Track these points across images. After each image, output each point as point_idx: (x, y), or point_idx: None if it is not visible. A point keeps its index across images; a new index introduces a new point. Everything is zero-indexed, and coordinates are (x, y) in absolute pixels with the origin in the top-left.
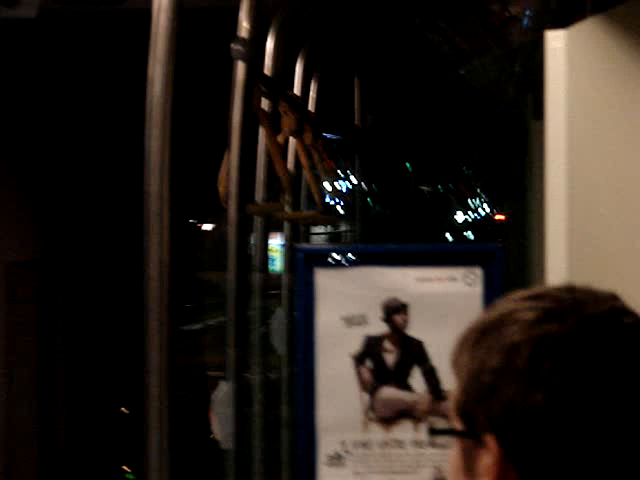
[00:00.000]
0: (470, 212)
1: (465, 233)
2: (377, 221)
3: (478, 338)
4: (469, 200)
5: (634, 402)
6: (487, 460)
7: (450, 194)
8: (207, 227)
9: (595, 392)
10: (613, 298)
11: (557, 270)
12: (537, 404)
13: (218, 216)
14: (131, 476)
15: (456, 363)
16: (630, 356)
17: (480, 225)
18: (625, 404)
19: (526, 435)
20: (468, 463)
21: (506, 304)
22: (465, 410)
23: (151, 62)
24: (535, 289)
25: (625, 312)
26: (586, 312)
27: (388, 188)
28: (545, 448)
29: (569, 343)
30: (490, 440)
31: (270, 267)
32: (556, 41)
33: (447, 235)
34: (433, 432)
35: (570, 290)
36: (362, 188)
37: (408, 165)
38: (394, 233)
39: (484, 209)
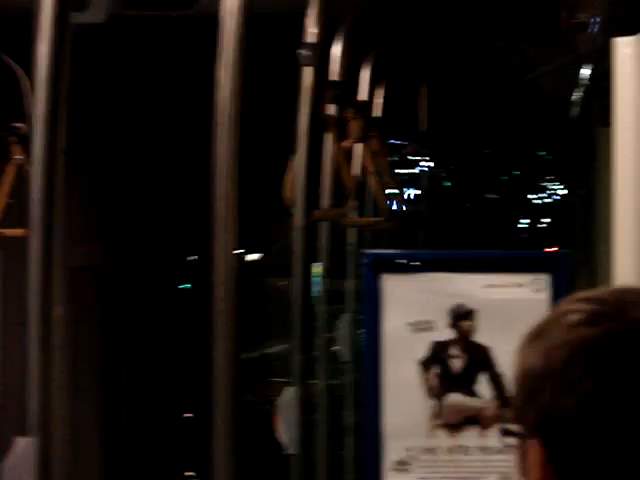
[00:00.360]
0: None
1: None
2: (445, 225)
3: (530, 340)
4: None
5: None
6: (533, 460)
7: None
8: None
9: (628, 398)
10: None
11: (625, 277)
12: (569, 409)
13: (284, 221)
14: None
15: (513, 365)
16: None
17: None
18: None
19: (562, 439)
20: (522, 462)
21: (562, 306)
22: (517, 411)
23: (219, 67)
24: (593, 290)
25: None
26: (630, 316)
27: (456, 192)
28: (581, 453)
29: (604, 347)
30: (535, 441)
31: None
32: (625, 48)
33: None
34: (501, 432)
35: (623, 292)
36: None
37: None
38: (463, 239)
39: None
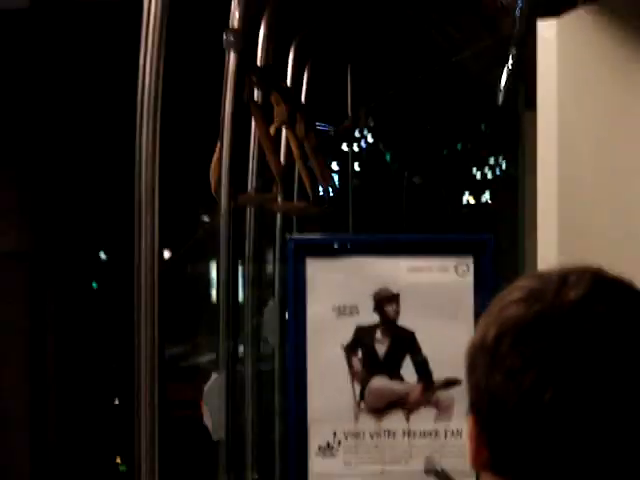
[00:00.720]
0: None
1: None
2: (370, 209)
3: (482, 316)
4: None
5: (587, 388)
6: (470, 433)
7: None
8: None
9: (552, 376)
10: (597, 282)
11: (548, 259)
12: (496, 384)
13: (210, 207)
14: (123, 467)
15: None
16: (584, 346)
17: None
18: (579, 389)
19: (489, 414)
20: (469, 431)
21: (515, 282)
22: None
23: (142, 52)
24: (552, 268)
25: (602, 299)
26: (565, 297)
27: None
28: (507, 427)
29: (531, 326)
30: (471, 416)
31: None
32: (547, 31)
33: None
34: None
35: (569, 272)
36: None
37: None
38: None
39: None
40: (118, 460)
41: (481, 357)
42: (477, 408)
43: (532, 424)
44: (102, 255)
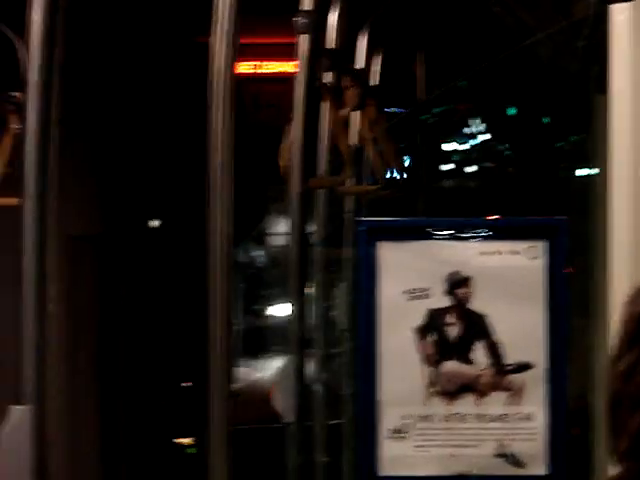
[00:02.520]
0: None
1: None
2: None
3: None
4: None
5: None
6: None
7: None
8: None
9: None
10: None
11: (621, 243)
12: None
13: (280, 189)
14: (192, 450)
15: (622, 314)
16: None
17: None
18: None
19: None
20: None
21: None
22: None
23: (213, 35)
24: None
25: None
26: None
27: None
28: None
29: None
30: None
31: None
32: (621, 13)
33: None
34: None
35: None
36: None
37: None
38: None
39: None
40: (186, 442)
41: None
42: None
43: None
44: (171, 238)
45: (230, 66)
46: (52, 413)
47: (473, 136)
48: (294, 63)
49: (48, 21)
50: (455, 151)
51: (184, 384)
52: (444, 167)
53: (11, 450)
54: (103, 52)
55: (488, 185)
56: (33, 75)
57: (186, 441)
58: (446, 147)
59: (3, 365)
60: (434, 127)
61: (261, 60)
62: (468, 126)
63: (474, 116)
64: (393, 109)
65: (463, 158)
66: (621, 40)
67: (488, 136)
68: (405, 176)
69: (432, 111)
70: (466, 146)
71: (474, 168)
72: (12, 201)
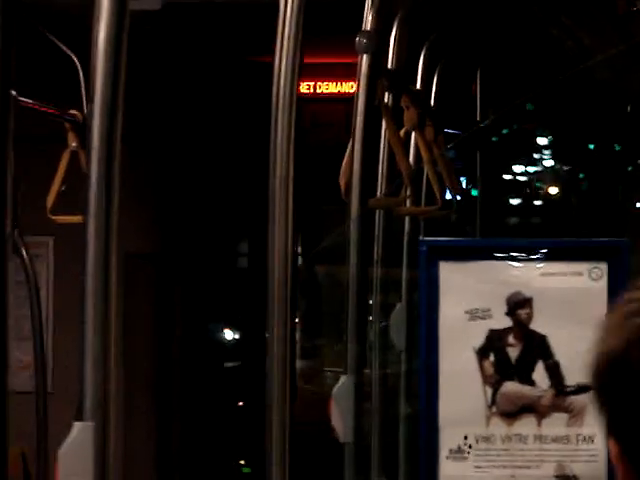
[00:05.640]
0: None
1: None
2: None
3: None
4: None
5: None
6: (612, 453)
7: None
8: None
9: None
10: None
11: None
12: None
13: (340, 209)
14: (247, 469)
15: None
16: None
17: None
18: None
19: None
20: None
21: (626, 294)
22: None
23: (277, 52)
24: None
25: None
26: None
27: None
28: None
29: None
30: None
31: None
32: None
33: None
34: None
35: None
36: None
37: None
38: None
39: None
40: (242, 462)
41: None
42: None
43: None
44: (235, 260)
45: (292, 86)
46: (112, 430)
47: (539, 159)
48: (353, 83)
49: (112, 40)
50: (521, 173)
51: (240, 403)
52: (508, 189)
53: (73, 466)
54: (165, 72)
55: (553, 210)
56: (97, 93)
57: (242, 461)
58: (515, 168)
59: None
60: (497, 148)
61: (321, 80)
62: (535, 148)
63: (542, 137)
64: (453, 131)
65: (529, 180)
66: None
67: (552, 160)
68: (459, 198)
69: (501, 132)
70: (533, 168)
71: (540, 191)
72: (75, 218)
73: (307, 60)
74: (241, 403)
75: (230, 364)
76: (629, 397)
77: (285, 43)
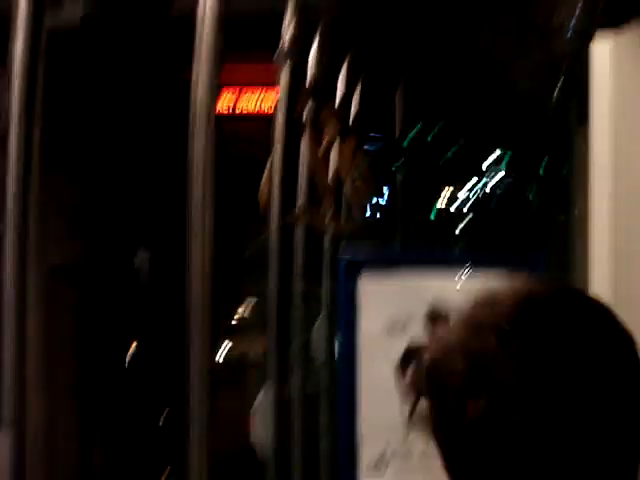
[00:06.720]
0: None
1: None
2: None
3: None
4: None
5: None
6: None
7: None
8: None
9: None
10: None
11: (600, 274)
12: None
13: (260, 224)
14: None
15: None
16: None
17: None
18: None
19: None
20: None
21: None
22: None
23: (195, 66)
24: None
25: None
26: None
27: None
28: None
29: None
30: None
31: None
32: (601, 47)
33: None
34: None
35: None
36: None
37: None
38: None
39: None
40: (166, 472)
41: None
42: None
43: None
44: (148, 267)
45: (211, 101)
46: (32, 441)
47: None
48: (273, 97)
49: (30, 52)
50: (445, 184)
51: (162, 417)
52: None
53: None
54: (86, 84)
55: (473, 223)
56: (15, 105)
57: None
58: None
59: None
60: (415, 158)
61: (240, 94)
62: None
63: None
64: (374, 144)
65: (450, 191)
66: (601, 71)
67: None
68: (378, 213)
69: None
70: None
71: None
72: None
73: (226, 76)
74: (161, 422)
75: (154, 378)
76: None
77: (203, 55)
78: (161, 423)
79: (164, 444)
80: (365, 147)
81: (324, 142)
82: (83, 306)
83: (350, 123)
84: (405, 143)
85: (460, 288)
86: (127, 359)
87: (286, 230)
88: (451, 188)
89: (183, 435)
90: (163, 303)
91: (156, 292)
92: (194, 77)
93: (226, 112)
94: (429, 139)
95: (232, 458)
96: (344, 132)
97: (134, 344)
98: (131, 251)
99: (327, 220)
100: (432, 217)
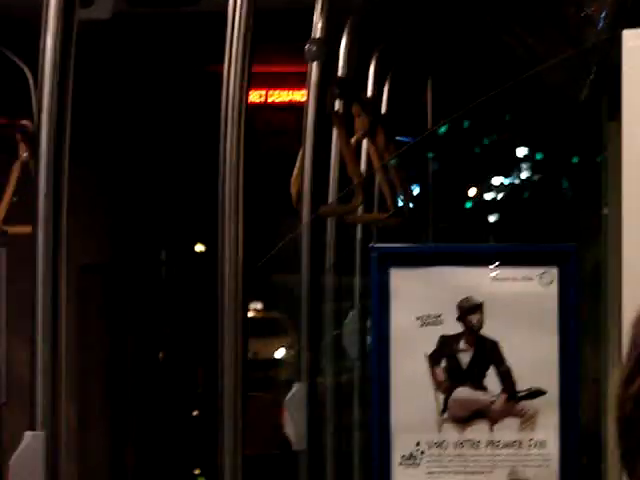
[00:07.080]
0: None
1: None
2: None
3: None
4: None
5: None
6: None
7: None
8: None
9: None
10: None
11: (633, 274)
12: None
13: (291, 217)
14: (202, 478)
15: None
16: None
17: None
18: None
19: None
20: None
21: None
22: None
23: (226, 62)
24: None
25: None
26: None
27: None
28: None
29: None
30: None
31: None
32: (632, 40)
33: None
34: None
35: None
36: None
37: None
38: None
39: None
40: (197, 471)
41: None
42: None
43: None
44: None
45: (242, 94)
46: (64, 440)
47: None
48: (303, 92)
49: (60, 49)
50: (475, 180)
51: (194, 413)
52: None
53: (24, 476)
54: (115, 82)
55: (505, 215)
56: (45, 103)
57: (196, 471)
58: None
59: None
60: (451, 155)
61: (272, 89)
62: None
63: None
64: (404, 138)
65: (482, 186)
66: (633, 66)
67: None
68: (411, 205)
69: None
70: (486, 174)
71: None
72: (26, 229)
73: (258, 69)
74: (196, 412)
75: (185, 375)
76: None
77: (234, 52)
78: (193, 422)
79: (196, 443)
80: (398, 138)
81: (355, 135)
82: (113, 304)
83: (380, 118)
84: (440, 132)
85: (492, 280)
86: (159, 358)
87: (318, 223)
88: (484, 181)
89: (216, 435)
90: (193, 301)
91: (184, 289)
92: (225, 71)
93: (258, 101)
94: (465, 126)
95: (268, 449)
96: (375, 126)
97: (165, 344)
98: (157, 249)
99: (359, 213)
100: (468, 206)
